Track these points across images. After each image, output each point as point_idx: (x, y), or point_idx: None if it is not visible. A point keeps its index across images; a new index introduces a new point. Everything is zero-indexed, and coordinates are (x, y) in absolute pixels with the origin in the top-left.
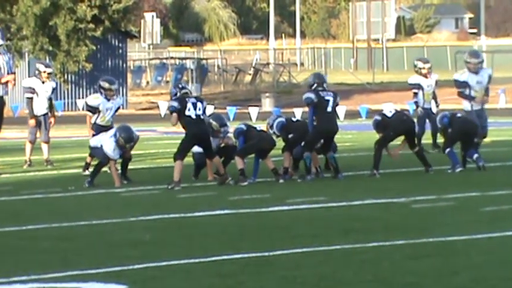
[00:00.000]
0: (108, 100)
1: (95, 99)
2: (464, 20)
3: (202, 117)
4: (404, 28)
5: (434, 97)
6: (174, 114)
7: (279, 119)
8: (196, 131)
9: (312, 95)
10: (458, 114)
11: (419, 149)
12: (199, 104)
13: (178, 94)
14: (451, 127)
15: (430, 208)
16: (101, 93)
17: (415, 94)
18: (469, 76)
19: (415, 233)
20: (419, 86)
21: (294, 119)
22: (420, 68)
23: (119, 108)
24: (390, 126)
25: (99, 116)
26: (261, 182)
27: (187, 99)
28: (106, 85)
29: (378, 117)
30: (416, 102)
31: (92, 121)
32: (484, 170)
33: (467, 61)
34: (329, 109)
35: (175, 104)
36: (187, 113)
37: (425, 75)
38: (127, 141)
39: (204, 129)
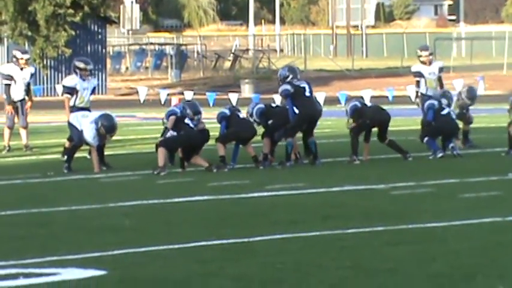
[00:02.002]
0: (84, 80)
1: (71, 79)
2: (443, 7)
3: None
4: (384, 15)
5: (440, 84)
6: None
7: (258, 106)
8: None
9: (287, 86)
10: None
11: (389, 141)
12: None
13: None
14: (435, 121)
15: (409, 195)
16: (76, 73)
17: (417, 82)
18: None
19: (394, 219)
20: (420, 74)
21: (273, 105)
22: (419, 56)
23: (95, 88)
24: (367, 115)
25: (77, 97)
26: (240, 168)
27: None
28: (81, 65)
29: (358, 104)
30: (417, 91)
31: (71, 103)
32: (459, 157)
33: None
34: (307, 94)
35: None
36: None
37: (425, 63)
38: (108, 131)
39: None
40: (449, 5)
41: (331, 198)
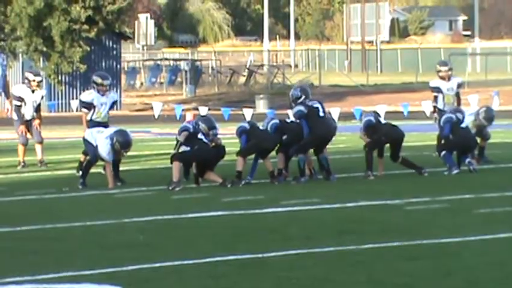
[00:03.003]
0: (102, 95)
1: (89, 94)
2: (458, 22)
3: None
4: (399, 30)
5: (458, 100)
6: None
7: (273, 121)
8: None
9: (301, 107)
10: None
11: (402, 159)
12: None
13: None
14: (453, 135)
15: (424, 210)
16: (94, 88)
17: (435, 97)
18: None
19: (409, 234)
20: (438, 90)
21: (288, 120)
22: (439, 71)
23: (114, 103)
24: (382, 131)
25: (95, 111)
26: (255, 184)
27: None
28: (99, 80)
29: (372, 120)
30: (434, 106)
31: (88, 118)
32: (475, 172)
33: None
34: (321, 114)
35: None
36: None
37: (443, 78)
38: (123, 146)
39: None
40: (464, 21)
41: (346, 213)
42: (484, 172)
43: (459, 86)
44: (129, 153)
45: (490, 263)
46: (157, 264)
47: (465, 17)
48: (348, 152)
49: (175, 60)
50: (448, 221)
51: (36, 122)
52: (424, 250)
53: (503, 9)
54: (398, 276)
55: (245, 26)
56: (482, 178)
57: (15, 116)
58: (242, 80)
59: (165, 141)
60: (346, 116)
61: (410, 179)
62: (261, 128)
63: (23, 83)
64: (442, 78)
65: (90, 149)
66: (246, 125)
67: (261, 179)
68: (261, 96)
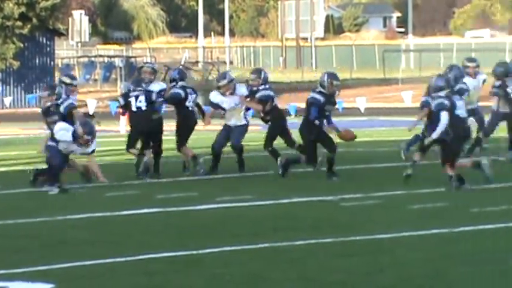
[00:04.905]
0: (68, 96)
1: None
2: (392, 19)
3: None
4: (333, 27)
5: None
6: None
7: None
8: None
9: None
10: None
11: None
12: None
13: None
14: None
15: (358, 206)
16: (62, 88)
17: None
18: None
19: (342, 231)
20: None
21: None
22: (466, 67)
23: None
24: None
25: None
26: (189, 180)
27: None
28: (67, 80)
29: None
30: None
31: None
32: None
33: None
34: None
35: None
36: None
37: (470, 75)
38: (86, 130)
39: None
40: (397, 17)
41: (280, 210)
42: (416, 168)
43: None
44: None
45: (422, 259)
46: (91, 262)
47: (399, 14)
48: (281, 149)
49: (109, 57)
50: (381, 217)
51: None
52: (358, 246)
53: (436, 6)
54: (332, 273)
55: (180, 22)
56: (415, 174)
57: None
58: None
59: (99, 138)
60: None
61: (343, 175)
62: None
63: None
64: (469, 74)
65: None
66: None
67: (195, 176)
68: None
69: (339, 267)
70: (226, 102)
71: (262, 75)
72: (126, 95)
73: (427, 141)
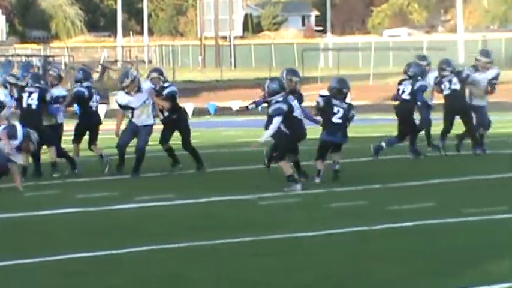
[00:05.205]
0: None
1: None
2: (310, 18)
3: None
4: (252, 26)
5: (491, 90)
6: None
7: None
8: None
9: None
10: None
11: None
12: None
13: None
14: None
15: (277, 205)
16: (6, 88)
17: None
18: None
19: (261, 229)
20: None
21: None
22: (477, 60)
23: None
24: None
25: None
26: (109, 180)
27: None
28: (13, 80)
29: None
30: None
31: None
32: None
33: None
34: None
35: None
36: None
37: (484, 68)
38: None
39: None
40: (316, 16)
41: (200, 209)
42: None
43: (493, 78)
44: None
45: (341, 257)
46: (8, 262)
47: (317, 13)
48: (201, 148)
49: (27, 56)
50: (300, 216)
51: None
52: (276, 245)
53: (354, 5)
54: (250, 272)
55: (98, 21)
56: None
57: None
58: (95, 75)
59: None
60: (201, 112)
61: (261, 174)
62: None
63: None
64: (483, 68)
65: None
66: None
67: (115, 175)
68: (114, 92)
69: (258, 266)
70: (134, 101)
71: (164, 73)
72: (21, 89)
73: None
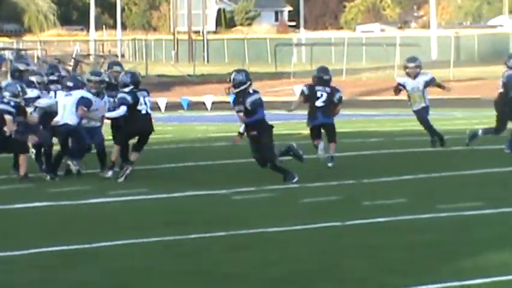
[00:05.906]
0: None
1: None
2: (284, 13)
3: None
4: (225, 20)
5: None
6: None
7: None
8: None
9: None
10: None
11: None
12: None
13: None
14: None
15: (250, 200)
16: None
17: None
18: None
19: (235, 224)
20: (403, 87)
21: None
22: (405, 67)
23: None
24: None
25: None
26: (82, 174)
27: None
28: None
29: None
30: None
31: None
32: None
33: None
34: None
35: None
36: None
37: (409, 75)
38: None
39: None
40: (289, 11)
41: (173, 203)
42: (309, 162)
43: (426, 84)
44: None
45: (315, 252)
46: None
47: (290, 8)
48: (175, 142)
49: None
50: (274, 211)
51: None
52: (250, 240)
53: (327, 1)
54: (225, 266)
55: (71, 15)
56: (307, 168)
57: None
58: (68, 69)
59: None
60: (173, 106)
61: (235, 169)
62: None
63: None
64: (408, 75)
65: None
66: None
67: (88, 170)
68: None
69: (231, 260)
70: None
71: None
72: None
73: None
